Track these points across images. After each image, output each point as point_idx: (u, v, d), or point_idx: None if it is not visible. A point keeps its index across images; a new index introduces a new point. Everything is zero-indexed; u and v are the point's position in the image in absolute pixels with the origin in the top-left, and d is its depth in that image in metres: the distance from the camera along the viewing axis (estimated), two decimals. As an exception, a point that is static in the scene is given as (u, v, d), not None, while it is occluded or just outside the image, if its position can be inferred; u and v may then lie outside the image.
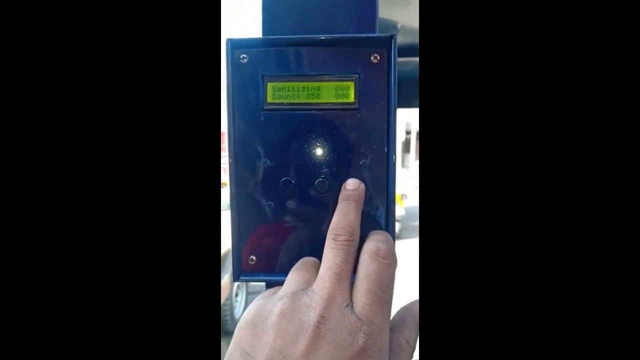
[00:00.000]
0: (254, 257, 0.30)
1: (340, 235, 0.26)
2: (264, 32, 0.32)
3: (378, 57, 0.28)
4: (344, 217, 0.27)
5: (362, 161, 0.29)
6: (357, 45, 0.28)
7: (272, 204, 0.29)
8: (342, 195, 0.28)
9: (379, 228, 0.29)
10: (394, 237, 0.29)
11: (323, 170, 0.29)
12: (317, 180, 0.29)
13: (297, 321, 0.23)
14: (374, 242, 0.26)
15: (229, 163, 0.29)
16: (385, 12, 0.86)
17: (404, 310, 0.27)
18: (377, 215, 0.29)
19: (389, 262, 0.25)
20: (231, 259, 0.31)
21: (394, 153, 0.28)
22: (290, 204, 0.29)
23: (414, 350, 0.26)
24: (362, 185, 0.28)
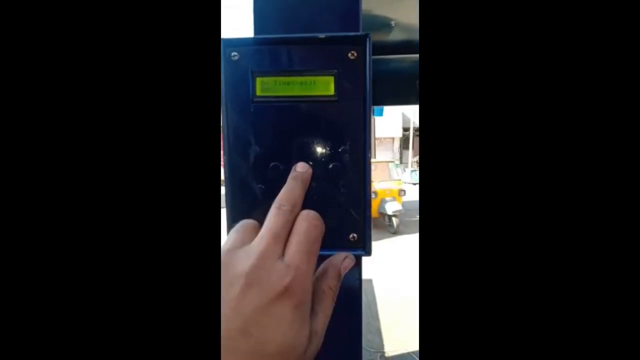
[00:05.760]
0: None
1: (284, 205, 0.29)
2: (256, 31, 0.35)
3: (355, 54, 0.31)
4: (289, 192, 0.30)
5: (342, 147, 0.32)
6: (336, 43, 0.32)
7: (263, 186, 0.32)
8: (292, 175, 0.31)
9: (357, 209, 0.32)
10: (370, 214, 0.32)
11: (307, 156, 0.32)
12: None
13: (232, 271, 0.26)
14: (307, 212, 0.29)
15: (223, 151, 0.33)
16: (379, 8, 0.88)
17: (327, 262, 0.31)
18: (355, 197, 0.32)
19: (317, 224, 0.29)
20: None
21: (370, 140, 0.32)
22: (279, 187, 0.32)
23: (335, 294, 0.29)
24: (310, 170, 0.32)
